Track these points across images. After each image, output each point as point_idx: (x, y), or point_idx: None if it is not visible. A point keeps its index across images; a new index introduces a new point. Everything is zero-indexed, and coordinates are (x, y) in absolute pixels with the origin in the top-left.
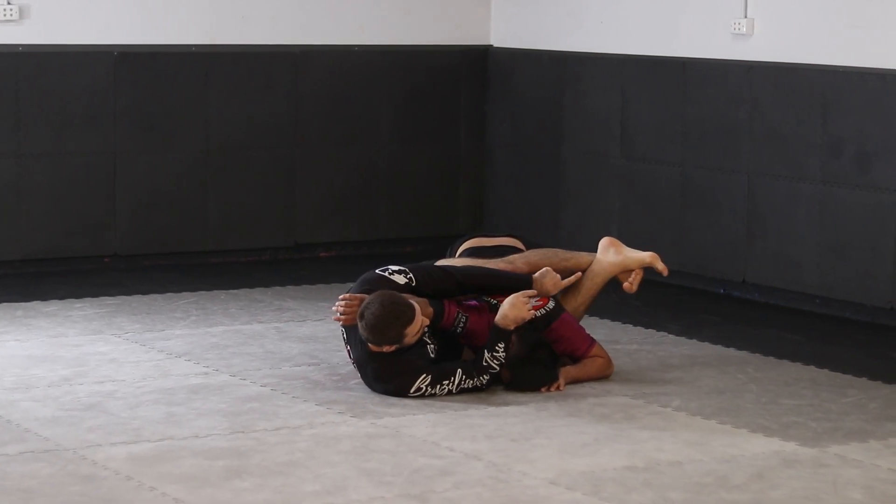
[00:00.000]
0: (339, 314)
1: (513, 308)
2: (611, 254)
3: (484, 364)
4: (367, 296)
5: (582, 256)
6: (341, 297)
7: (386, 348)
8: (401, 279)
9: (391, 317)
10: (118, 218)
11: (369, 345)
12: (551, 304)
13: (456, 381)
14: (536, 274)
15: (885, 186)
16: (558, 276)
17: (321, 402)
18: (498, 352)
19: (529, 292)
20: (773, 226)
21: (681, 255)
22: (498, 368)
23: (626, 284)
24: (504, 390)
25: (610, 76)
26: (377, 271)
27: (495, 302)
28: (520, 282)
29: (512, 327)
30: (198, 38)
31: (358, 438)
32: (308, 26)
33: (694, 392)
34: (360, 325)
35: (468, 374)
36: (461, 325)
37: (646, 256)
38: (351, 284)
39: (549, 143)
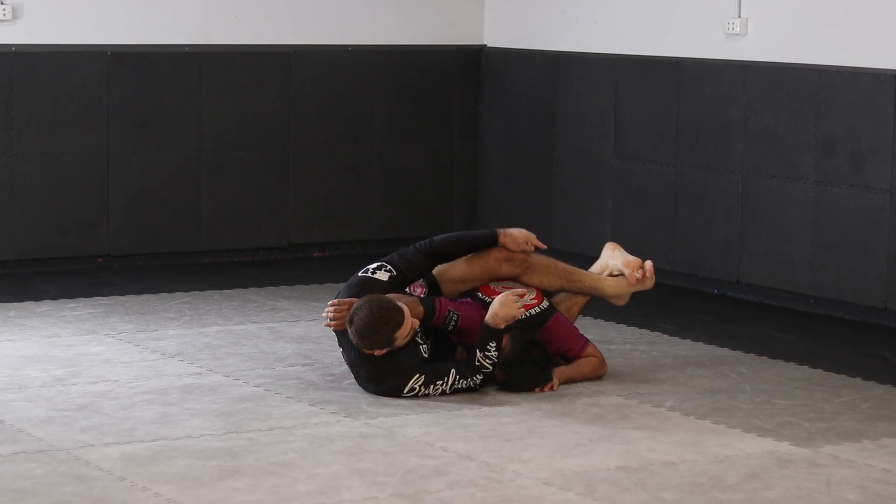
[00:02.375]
0: (329, 320)
1: (502, 307)
2: (605, 253)
3: (476, 364)
4: (356, 300)
5: (584, 275)
6: (330, 302)
7: (377, 352)
8: (384, 276)
9: (380, 322)
10: (111, 218)
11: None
12: (545, 304)
13: (449, 381)
14: (501, 230)
15: (878, 186)
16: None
17: (314, 402)
18: (490, 351)
19: (519, 291)
20: (767, 225)
21: (674, 254)
22: (491, 368)
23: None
24: (498, 390)
25: (603, 76)
26: (360, 273)
27: (489, 300)
28: (485, 239)
29: (502, 326)
30: (191, 37)
31: (351, 439)
32: (301, 26)
33: (687, 392)
34: (349, 330)
35: (461, 374)
36: (453, 322)
37: (622, 269)
38: (344, 284)
39: (542, 143)
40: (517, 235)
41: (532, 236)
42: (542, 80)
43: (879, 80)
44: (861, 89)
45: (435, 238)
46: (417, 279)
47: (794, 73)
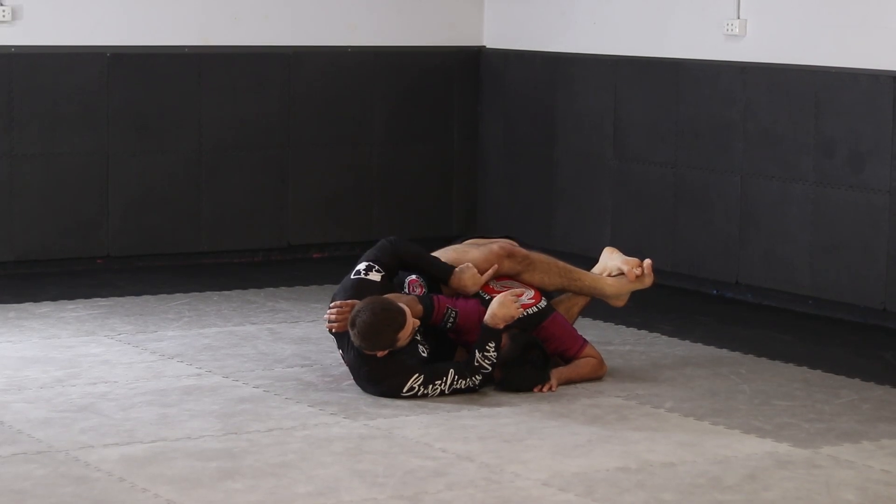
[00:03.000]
0: (330, 322)
1: (501, 307)
2: (604, 256)
3: (476, 364)
4: (357, 301)
5: (583, 274)
6: (332, 304)
7: (379, 354)
8: (376, 276)
9: (383, 323)
10: (111, 219)
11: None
12: (542, 303)
13: (448, 382)
14: (457, 268)
15: (877, 187)
16: (477, 273)
17: (314, 403)
18: (489, 351)
19: (517, 291)
20: (766, 226)
21: (673, 255)
22: (490, 368)
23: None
24: (496, 391)
25: (603, 77)
26: (351, 276)
27: (488, 297)
28: (440, 271)
29: (501, 326)
30: (190, 38)
31: (350, 440)
32: (300, 27)
33: (687, 393)
34: (351, 332)
35: (460, 375)
36: (451, 320)
37: (621, 266)
38: (339, 287)
39: (541, 144)
40: (468, 283)
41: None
42: (542, 82)
43: (878, 82)
44: (860, 90)
45: (398, 244)
46: (398, 272)
47: (794, 74)
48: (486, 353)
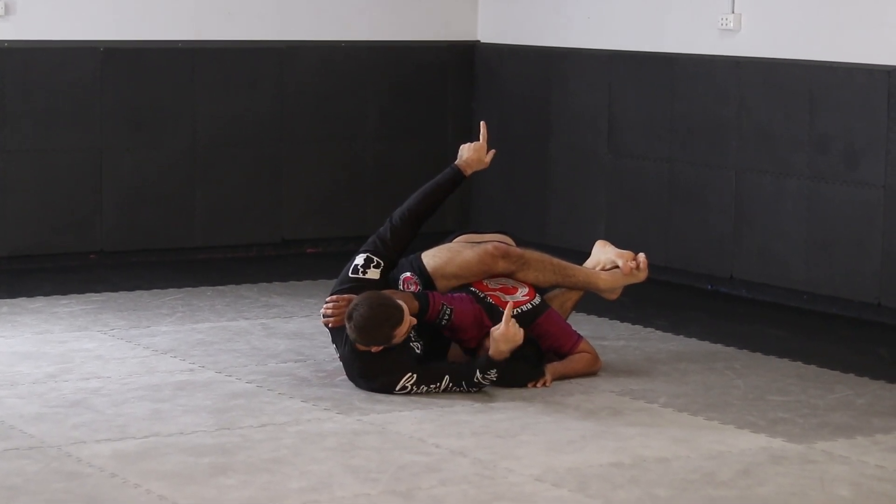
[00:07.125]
0: (325, 317)
1: (506, 343)
2: (596, 249)
3: (475, 381)
4: (353, 296)
5: (577, 270)
6: (328, 298)
7: (374, 349)
8: (375, 274)
9: (380, 318)
10: (104, 214)
11: (356, 344)
12: (536, 300)
13: (442, 387)
14: (461, 163)
15: (872, 182)
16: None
17: (307, 398)
18: (489, 375)
19: (518, 302)
20: (761, 222)
21: (668, 251)
22: (488, 384)
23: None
24: (490, 387)
25: (597, 72)
26: (350, 274)
27: (483, 294)
28: (449, 177)
29: (507, 356)
30: (184, 33)
31: (344, 435)
32: (294, 22)
33: (681, 388)
34: (348, 326)
35: (455, 382)
36: (446, 317)
37: (615, 260)
38: (335, 281)
39: (536, 140)
40: (471, 155)
41: (481, 146)
42: (536, 77)
43: (873, 77)
44: (855, 86)
45: (395, 213)
46: (403, 253)
47: (789, 69)
48: (486, 375)
